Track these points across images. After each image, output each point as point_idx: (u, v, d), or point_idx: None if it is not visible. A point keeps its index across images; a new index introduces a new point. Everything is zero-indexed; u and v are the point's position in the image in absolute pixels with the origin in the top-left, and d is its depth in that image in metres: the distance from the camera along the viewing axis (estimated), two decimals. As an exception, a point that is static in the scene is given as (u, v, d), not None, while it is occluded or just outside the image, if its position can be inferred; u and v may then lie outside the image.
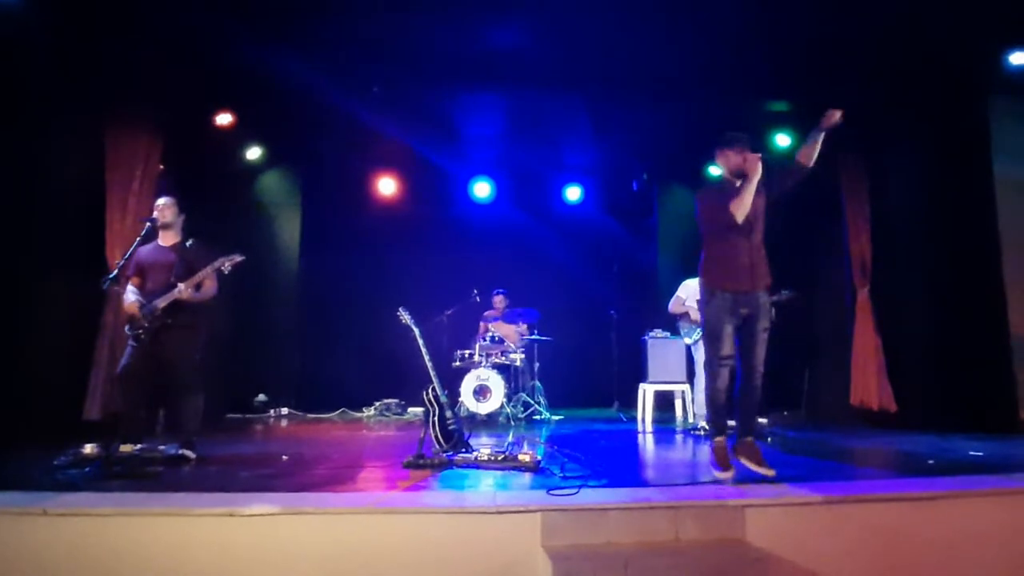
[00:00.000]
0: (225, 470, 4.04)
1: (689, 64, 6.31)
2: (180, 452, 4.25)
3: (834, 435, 5.99)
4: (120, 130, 5.80)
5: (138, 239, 4.26)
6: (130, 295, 4.33)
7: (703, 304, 3.83)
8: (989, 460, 4.32)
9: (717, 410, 3.78)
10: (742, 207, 3.65)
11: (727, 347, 3.67)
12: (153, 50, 5.78)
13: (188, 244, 4.51)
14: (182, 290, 4.24)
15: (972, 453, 4.61)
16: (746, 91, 6.96)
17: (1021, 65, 5.75)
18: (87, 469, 3.70)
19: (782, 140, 7.75)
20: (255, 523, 2.83)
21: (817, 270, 7.77)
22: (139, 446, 4.25)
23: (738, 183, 3.75)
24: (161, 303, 4.26)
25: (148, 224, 4.34)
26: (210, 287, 4.40)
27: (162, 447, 4.38)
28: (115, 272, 4.10)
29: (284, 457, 4.50)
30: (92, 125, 5.69)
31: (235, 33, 5.62)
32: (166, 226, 4.51)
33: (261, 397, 8.00)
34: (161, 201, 4.55)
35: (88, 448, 4.05)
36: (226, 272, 4.38)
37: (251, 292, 7.72)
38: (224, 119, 7.16)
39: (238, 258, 4.39)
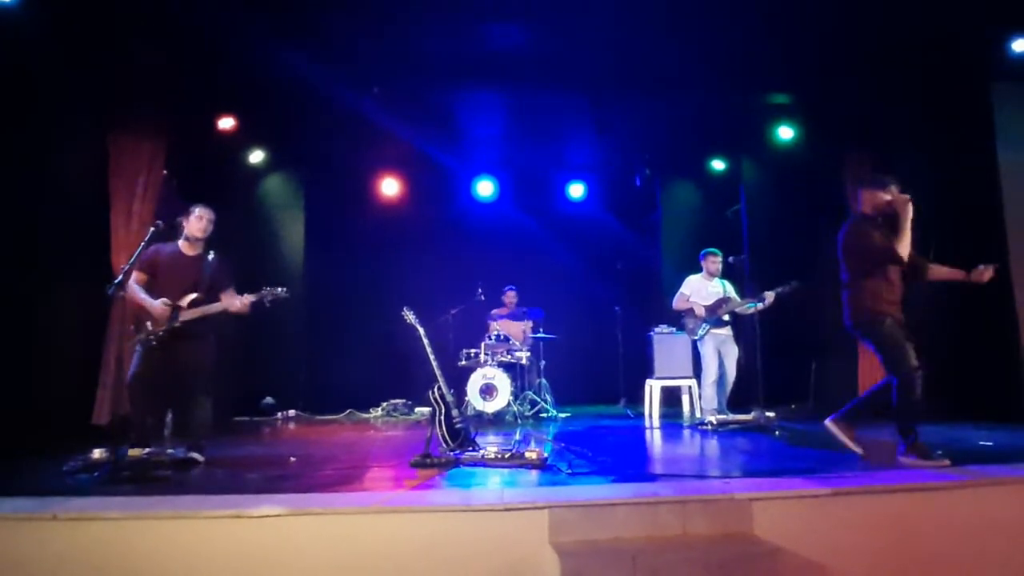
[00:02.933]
0: (233, 472, 4.06)
1: (690, 58, 6.29)
2: (189, 455, 4.26)
3: (842, 427, 5.95)
4: (123, 136, 5.83)
5: (143, 242, 4.25)
6: (155, 302, 4.22)
7: (878, 328, 4.00)
8: (998, 449, 4.31)
9: (918, 415, 3.90)
10: (905, 247, 3.94)
11: (915, 358, 3.89)
12: (155, 55, 5.80)
13: (210, 258, 4.47)
14: (236, 305, 4.37)
15: (982, 443, 4.59)
16: (748, 85, 6.95)
17: (1024, 52, 5.72)
18: (96, 473, 3.72)
19: (784, 133, 7.73)
20: (263, 524, 2.84)
21: (823, 264, 7.71)
22: (147, 450, 4.26)
23: (879, 219, 4.10)
24: (189, 315, 4.27)
25: (162, 227, 4.30)
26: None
27: (170, 450, 4.39)
28: (120, 277, 4.10)
29: (292, 459, 4.51)
30: (95, 131, 5.72)
31: (237, 37, 5.64)
32: (197, 239, 4.44)
33: (268, 400, 8.02)
34: (207, 214, 4.43)
35: (97, 453, 4.05)
36: (267, 304, 4.48)
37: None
38: (226, 123, 7.18)
39: (282, 292, 4.52)
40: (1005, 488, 3.26)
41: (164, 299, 4.25)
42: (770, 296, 6.07)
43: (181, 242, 4.46)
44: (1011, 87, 5.97)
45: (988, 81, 6.03)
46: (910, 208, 3.97)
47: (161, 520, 2.86)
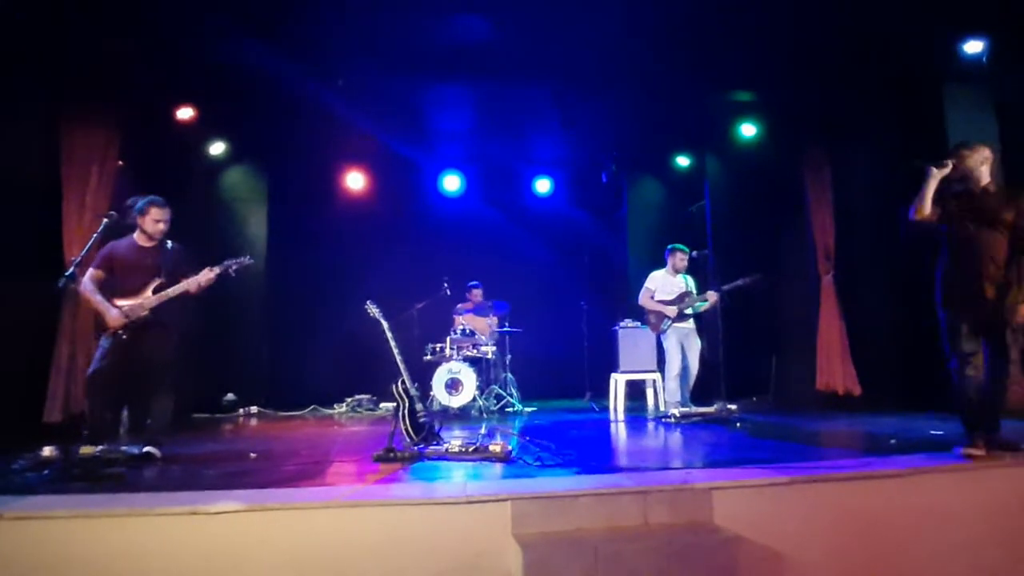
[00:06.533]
0: (190, 469, 3.96)
1: (655, 55, 6.34)
2: (145, 450, 4.15)
3: (801, 419, 6.10)
4: (76, 124, 5.64)
5: (96, 234, 4.13)
6: (111, 308, 4.15)
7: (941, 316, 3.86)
8: (949, 438, 4.42)
9: (972, 408, 3.83)
10: (921, 207, 3.87)
11: (966, 343, 3.77)
12: (111, 41, 5.62)
13: (170, 247, 4.41)
14: (200, 281, 4.30)
15: (933, 432, 4.73)
16: (712, 82, 7.03)
17: (975, 53, 5.89)
18: (46, 472, 3.60)
19: (747, 130, 7.86)
20: (220, 521, 2.78)
21: (782, 258, 7.89)
22: (100, 447, 4.14)
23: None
24: (153, 302, 4.19)
25: (116, 218, 4.22)
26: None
27: (124, 447, 4.27)
28: (72, 270, 3.97)
29: (252, 455, 4.43)
30: (46, 118, 5.53)
31: (197, 25, 5.50)
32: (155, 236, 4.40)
33: (230, 396, 7.86)
34: (164, 214, 4.37)
35: (47, 451, 3.92)
36: (232, 274, 4.44)
37: (218, 290, 7.51)
38: (185, 113, 7.00)
39: (247, 260, 4.48)
40: (952, 475, 3.38)
41: (127, 302, 4.19)
42: (712, 296, 6.14)
43: (137, 235, 4.39)
44: (962, 88, 6.15)
45: (940, 82, 6.20)
46: (933, 170, 3.87)
47: (113, 518, 2.78)
